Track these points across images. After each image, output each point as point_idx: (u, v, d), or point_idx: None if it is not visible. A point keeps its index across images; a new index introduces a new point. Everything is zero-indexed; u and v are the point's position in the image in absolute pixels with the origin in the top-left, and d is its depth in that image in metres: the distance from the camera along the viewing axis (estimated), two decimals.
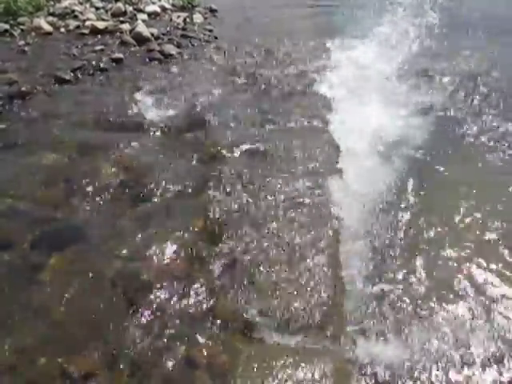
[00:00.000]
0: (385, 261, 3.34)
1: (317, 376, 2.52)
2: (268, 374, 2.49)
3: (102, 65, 6.35)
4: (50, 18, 7.96)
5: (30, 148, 4.37)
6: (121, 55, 6.70)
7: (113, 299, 2.88)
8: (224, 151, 4.50)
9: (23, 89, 5.40)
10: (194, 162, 4.36)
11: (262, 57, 7.50)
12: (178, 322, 2.78)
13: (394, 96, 5.89)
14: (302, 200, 3.87)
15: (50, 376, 2.39)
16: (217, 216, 3.61)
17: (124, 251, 3.23)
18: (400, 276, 3.19)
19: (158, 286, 2.99)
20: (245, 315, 2.84)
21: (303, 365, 2.57)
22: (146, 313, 2.80)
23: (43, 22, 7.56)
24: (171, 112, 5.28)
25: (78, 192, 3.81)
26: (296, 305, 2.92)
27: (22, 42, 6.97)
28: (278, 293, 3.01)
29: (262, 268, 3.18)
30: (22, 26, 7.53)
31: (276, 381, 2.47)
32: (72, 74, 5.97)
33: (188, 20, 9.00)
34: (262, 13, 10.78)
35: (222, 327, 2.77)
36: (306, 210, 3.75)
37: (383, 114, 5.33)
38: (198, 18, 9.20)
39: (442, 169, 4.40)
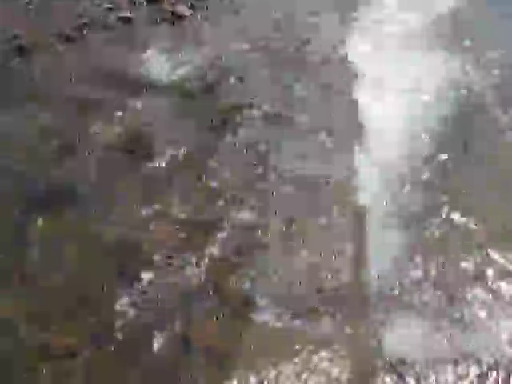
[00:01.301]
0: (416, 233, 2.97)
1: (332, 366, 2.19)
2: (273, 361, 2.17)
3: (109, 23, 5.93)
4: None
5: (25, 104, 4.04)
6: (129, 14, 6.26)
7: (104, 268, 2.58)
8: (237, 115, 4.12)
9: (24, 44, 5.04)
10: (204, 125, 3.99)
11: (284, 20, 6.98)
12: (174, 297, 2.47)
13: None
14: (320, 173, 3.49)
15: (27, 350, 2.10)
16: (223, 184, 3.26)
17: (121, 217, 2.92)
18: (435, 248, 2.82)
19: (156, 256, 2.68)
20: (249, 294, 2.52)
21: (316, 353, 2.25)
22: (140, 285, 2.49)
23: None
24: (181, 72, 4.88)
25: (75, 151, 3.49)
26: (311, 283, 2.58)
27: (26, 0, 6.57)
28: (288, 268, 2.67)
29: (271, 242, 2.84)
30: None
31: (282, 369, 2.15)
32: (77, 32, 5.56)
33: None
34: None
35: (223, 306, 2.45)
36: (326, 184, 3.38)
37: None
38: None
39: None
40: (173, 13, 6.67)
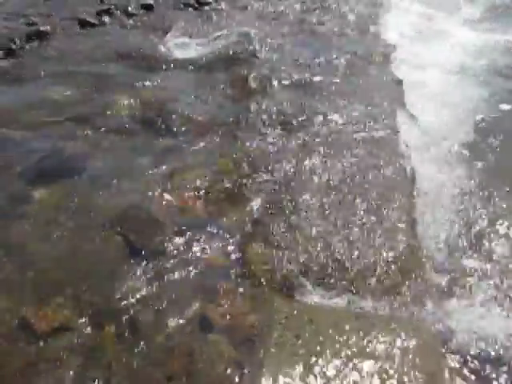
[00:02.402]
0: (471, 207, 2.50)
1: (382, 350, 1.74)
2: (314, 344, 1.74)
3: (130, 9, 5.72)
4: None
5: (40, 82, 3.80)
6: (151, 1, 6.05)
7: (110, 241, 2.22)
8: (261, 87, 3.76)
9: (42, 29, 4.85)
10: (227, 99, 3.63)
11: (314, 3, 6.62)
12: (192, 272, 2.07)
13: None
14: (354, 137, 3.08)
15: (6, 328, 1.75)
16: (247, 155, 2.87)
17: (133, 187, 2.57)
18: (492, 224, 2.35)
19: (171, 228, 2.31)
20: (283, 267, 2.10)
21: (363, 335, 1.80)
22: (151, 259, 2.11)
23: None
24: (203, 51, 4.58)
25: (87, 125, 3.18)
26: (354, 258, 2.15)
27: None
28: (327, 242, 2.25)
29: (306, 213, 2.43)
30: None
31: (324, 354, 1.71)
32: (96, 18, 5.36)
33: None
34: None
35: (251, 281, 2.04)
36: (358, 149, 2.96)
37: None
38: None
39: None
40: (197, 0, 6.44)
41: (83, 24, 5.20)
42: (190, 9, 6.17)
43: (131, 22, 5.50)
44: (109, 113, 3.31)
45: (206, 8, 6.25)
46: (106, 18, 5.47)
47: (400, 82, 3.89)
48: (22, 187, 2.50)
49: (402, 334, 1.78)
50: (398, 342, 1.76)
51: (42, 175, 2.64)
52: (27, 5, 5.87)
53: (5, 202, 2.46)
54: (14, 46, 4.49)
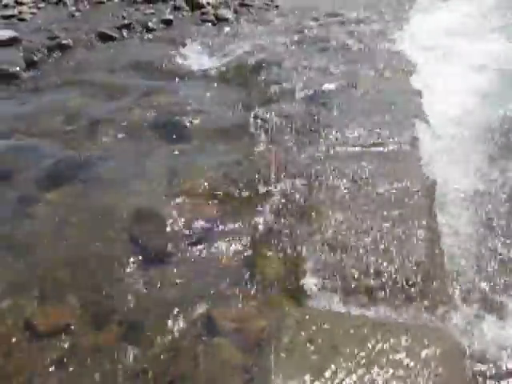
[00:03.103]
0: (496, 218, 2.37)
1: (401, 359, 1.62)
2: (327, 349, 1.62)
3: (150, 24, 5.82)
4: None
5: (58, 91, 3.85)
6: (171, 17, 6.16)
7: (119, 241, 2.15)
8: (275, 97, 3.70)
9: (64, 42, 4.96)
10: (240, 107, 3.59)
11: (329, 21, 6.63)
12: (200, 274, 1.99)
13: None
14: (371, 146, 2.98)
15: (7, 327, 1.69)
16: (259, 161, 2.80)
17: (143, 189, 2.52)
18: None
19: (180, 230, 2.23)
20: (295, 272, 2.00)
21: (380, 342, 1.68)
22: (159, 261, 2.04)
23: None
24: (219, 62, 4.58)
25: (101, 130, 3.19)
26: (371, 264, 2.04)
27: (72, 8, 6.65)
28: (342, 248, 2.14)
29: (319, 219, 2.33)
30: None
31: (339, 360, 1.59)
32: (117, 31, 5.47)
33: None
34: None
35: (261, 285, 1.94)
36: (375, 158, 2.86)
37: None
38: None
39: None
40: (215, 15, 6.52)
41: (103, 37, 5.31)
42: (208, 24, 6.26)
43: (150, 35, 5.59)
44: (122, 119, 3.30)
45: (225, 23, 6.33)
46: (126, 32, 5.58)
47: (420, 93, 3.78)
48: (34, 190, 2.48)
49: (423, 343, 1.66)
50: (419, 351, 1.63)
51: (54, 178, 2.62)
52: (51, 21, 6.04)
53: (16, 205, 2.44)
54: (35, 58, 4.59)
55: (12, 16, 6.35)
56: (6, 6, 6.91)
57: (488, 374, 1.64)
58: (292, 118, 3.33)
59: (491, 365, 1.68)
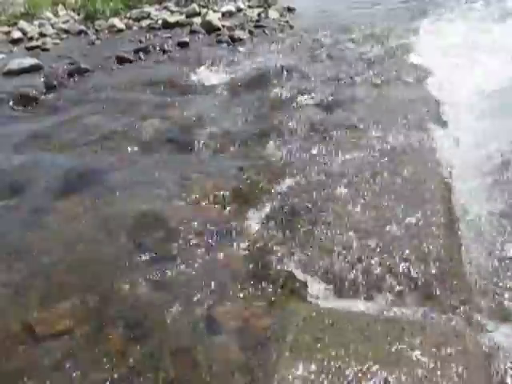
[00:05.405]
0: None
1: (415, 358, 1.50)
2: (335, 348, 1.52)
3: (166, 47, 5.97)
4: (125, 20, 7.94)
5: (74, 109, 3.95)
6: (187, 39, 6.31)
7: (126, 247, 2.13)
8: (287, 107, 3.68)
9: (83, 66, 5.12)
10: (251, 118, 3.58)
11: (340, 39, 6.66)
12: (204, 274, 1.93)
13: None
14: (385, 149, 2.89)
15: (7, 331, 1.66)
16: (269, 166, 2.76)
17: (152, 196, 2.51)
18: None
19: (186, 233, 2.19)
20: (301, 270, 1.92)
21: (392, 340, 1.57)
22: (163, 262, 2.00)
23: (117, 21, 7.54)
24: (233, 79, 4.61)
25: (113, 143, 3.23)
26: (384, 262, 1.94)
27: (93, 37, 6.93)
28: (351, 247, 2.05)
29: (328, 219, 2.25)
30: (96, 27, 7.55)
31: (347, 359, 1.49)
32: (134, 55, 5.62)
33: (263, 15, 8.52)
34: (343, 11, 10.02)
35: (266, 283, 1.87)
36: (390, 159, 2.77)
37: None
38: (273, 14, 8.67)
39: None
40: (230, 37, 6.64)
41: (121, 61, 5.46)
42: (224, 45, 6.38)
43: (166, 57, 5.72)
44: (134, 132, 3.34)
45: (239, 44, 6.43)
46: (143, 55, 5.73)
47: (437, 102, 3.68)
48: (46, 199, 2.50)
49: (440, 342, 1.54)
50: (436, 350, 1.51)
51: (66, 189, 2.64)
52: (72, 49, 6.30)
53: (28, 214, 2.46)
54: (55, 83, 4.74)
55: (36, 47, 6.66)
56: (31, 39, 7.28)
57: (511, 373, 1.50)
58: (302, 127, 3.30)
59: None
